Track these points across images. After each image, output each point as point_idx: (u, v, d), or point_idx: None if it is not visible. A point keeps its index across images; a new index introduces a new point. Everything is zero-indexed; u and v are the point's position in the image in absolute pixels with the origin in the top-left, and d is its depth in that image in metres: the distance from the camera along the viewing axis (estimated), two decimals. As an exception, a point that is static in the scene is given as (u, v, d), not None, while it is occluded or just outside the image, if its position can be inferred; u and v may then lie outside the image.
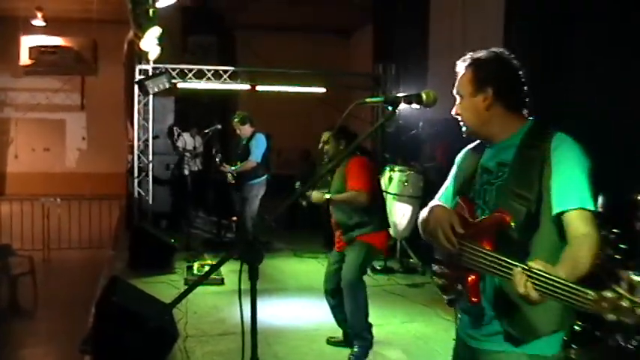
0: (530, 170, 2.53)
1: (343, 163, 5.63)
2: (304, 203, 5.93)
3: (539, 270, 2.14)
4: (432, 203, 2.93)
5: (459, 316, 2.89)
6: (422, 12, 11.17)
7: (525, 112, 2.73)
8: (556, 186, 2.47)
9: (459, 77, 2.76)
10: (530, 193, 2.49)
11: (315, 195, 5.68)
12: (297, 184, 6.03)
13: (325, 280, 6.03)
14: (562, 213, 2.44)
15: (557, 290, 2.07)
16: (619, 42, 6.59)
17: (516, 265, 2.22)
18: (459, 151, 3.01)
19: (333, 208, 5.82)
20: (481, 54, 2.73)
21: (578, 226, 2.41)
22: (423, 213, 2.90)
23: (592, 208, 2.43)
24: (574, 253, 2.36)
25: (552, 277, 2.09)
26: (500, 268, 2.33)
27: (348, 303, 5.72)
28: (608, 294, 1.92)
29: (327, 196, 5.57)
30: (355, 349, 5.75)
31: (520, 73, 2.71)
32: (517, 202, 2.50)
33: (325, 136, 5.92)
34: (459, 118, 2.77)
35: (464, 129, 2.78)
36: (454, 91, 2.76)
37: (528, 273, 2.17)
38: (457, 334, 2.93)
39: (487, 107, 2.67)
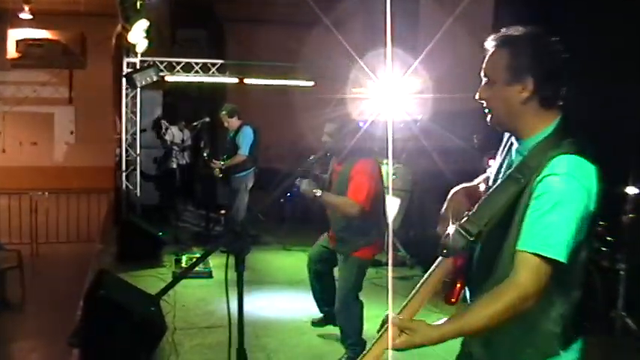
0: (498, 199, 2.20)
1: (348, 164, 5.34)
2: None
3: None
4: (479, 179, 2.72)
5: None
6: (412, 5, 11.17)
7: (557, 109, 2.30)
8: (526, 223, 2.13)
9: (489, 56, 2.32)
10: (475, 226, 2.17)
11: (305, 187, 5.26)
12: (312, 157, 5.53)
13: (309, 260, 5.97)
14: (519, 251, 2.12)
15: None
16: (603, 41, 6.64)
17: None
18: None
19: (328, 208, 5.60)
20: (519, 32, 2.27)
21: (519, 271, 2.09)
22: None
23: (553, 256, 2.06)
24: (482, 303, 2.11)
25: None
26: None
27: (340, 319, 5.61)
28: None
29: (318, 193, 5.22)
30: (344, 358, 5.66)
31: (563, 61, 2.26)
32: (461, 231, 2.18)
33: (329, 127, 5.51)
34: (484, 104, 2.35)
35: (489, 117, 2.36)
36: (482, 73, 2.34)
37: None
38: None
39: (524, 101, 2.24)
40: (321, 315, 6.25)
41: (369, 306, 5.67)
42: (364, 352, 2.10)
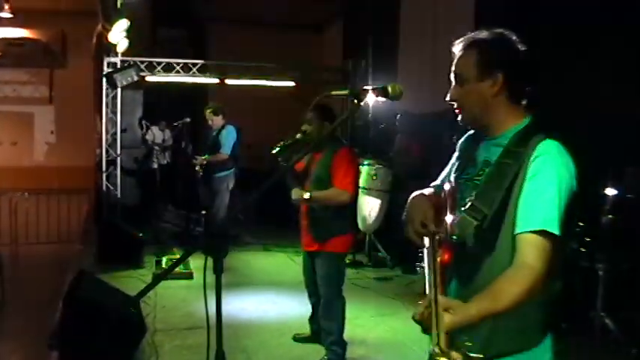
0: (499, 181, 2.29)
1: (329, 152, 5.40)
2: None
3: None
4: (430, 187, 2.79)
5: None
6: (392, 9, 11.21)
7: (524, 105, 2.46)
8: (522, 204, 2.23)
9: (458, 58, 2.47)
10: (488, 207, 2.26)
11: (295, 193, 5.38)
12: (277, 149, 5.57)
13: (306, 284, 5.95)
14: (519, 234, 2.21)
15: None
16: (585, 40, 6.69)
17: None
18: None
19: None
20: (485, 34, 2.44)
21: (526, 253, 2.17)
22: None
23: (555, 231, 2.16)
24: (503, 285, 2.13)
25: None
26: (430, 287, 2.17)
27: (323, 317, 5.62)
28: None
29: (307, 195, 5.29)
30: (325, 358, 5.66)
31: (530, 59, 2.44)
32: (470, 213, 2.28)
33: (310, 116, 5.56)
34: (455, 104, 2.49)
35: (460, 116, 2.50)
36: (452, 75, 2.48)
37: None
38: None
39: (495, 94, 2.39)
40: (307, 331, 6.24)
41: (349, 306, 5.69)
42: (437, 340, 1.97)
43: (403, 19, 11.04)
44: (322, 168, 5.43)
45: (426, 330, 2.06)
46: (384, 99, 2.60)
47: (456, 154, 2.71)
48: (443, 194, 2.61)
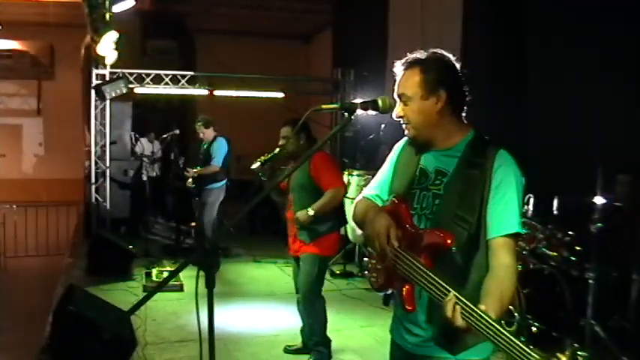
0: (473, 191, 2.49)
1: (306, 160, 5.49)
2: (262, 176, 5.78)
3: (482, 316, 2.10)
4: (365, 192, 2.94)
5: (394, 318, 2.89)
6: (381, 18, 11.24)
7: (464, 117, 2.67)
8: (494, 210, 2.46)
9: (401, 79, 2.64)
10: (472, 216, 2.46)
11: (301, 216, 5.47)
12: (257, 165, 5.74)
13: (296, 290, 5.99)
14: (493, 238, 2.45)
15: (501, 340, 2.01)
16: (574, 46, 6.73)
17: (461, 302, 2.17)
18: None
19: (294, 200, 5.71)
20: (425, 55, 2.62)
21: (504, 255, 2.42)
22: (357, 205, 2.91)
23: (521, 231, 2.48)
24: (501, 287, 2.36)
25: (499, 330, 2.03)
26: (437, 291, 2.30)
27: (305, 316, 5.74)
28: None
29: (311, 212, 5.41)
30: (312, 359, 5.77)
31: (464, 78, 2.65)
32: (459, 224, 2.47)
33: (285, 131, 5.81)
34: (402, 120, 2.66)
35: (407, 132, 2.68)
36: (395, 94, 2.65)
37: (471, 317, 2.13)
38: (392, 336, 2.91)
39: (439, 111, 2.58)
40: (298, 343, 6.23)
41: (339, 317, 5.69)
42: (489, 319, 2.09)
43: (392, 28, 11.07)
44: (301, 174, 5.57)
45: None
46: (374, 112, 2.61)
47: (393, 160, 2.87)
48: (393, 205, 2.70)
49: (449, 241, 2.39)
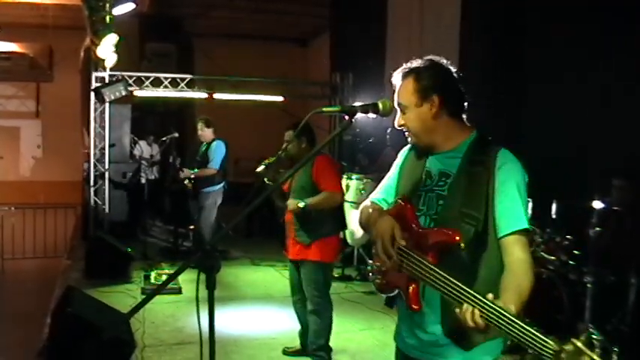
0: (477, 189, 2.52)
1: (308, 162, 5.49)
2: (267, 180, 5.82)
3: (499, 309, 2.12)
4: (372, 197, 2.97)
5: (398, 323, 2.89)
6: (379, 21, 11.26)
7: (465, 119, 2.72)
8: (502, 208, 2.49)
9: (398, 89, 2.72)
10: (479, 212, 2.49)
11: (291, 203, 5.52)
12: (262, 168, 5.81)
13: (292, 293, 6.00)
14: (504, 235, 2.48)
15: (518, 333, 2.04)
16: (573, 50, 6.74)
17: (475, 298, 2.19)
18: None
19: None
20: (418, 63, 2.70)
21: (517, 250, 2.45)
22: (362, 210, 2.93)
23: (529, 227, 2.50)
24: (517, 281, 2.39)
25: (515, 322, 2.06)
26: (451, 290, 2.30)
27: (312, 322, 5.69)
28: (569, 347, 1.88)
29: (302, 204, 5.44)
30: None
31: (459, 82, 2.70)
32: (465, 221, 2.49)
33: (289, 135, 5.86)
34: (403, 129, 2.73)
35: (409, 139, 2.76)
36: (395, 104, 2.70)
37: (486, 312, 2.14)
38: (396, 343, 2.93)
39: (434, 116, 2.64)
40: (297, 345, 6.24)
41: (338, 320, 5.70)
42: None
43: (390, 31, 11.09)
44: (303, 177, 5.59)
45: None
46: (374, 115, 2.61)
47: (397, 166, 2.94)
48: (399, 207, 2.72)
49: (457, 238, 2.42)
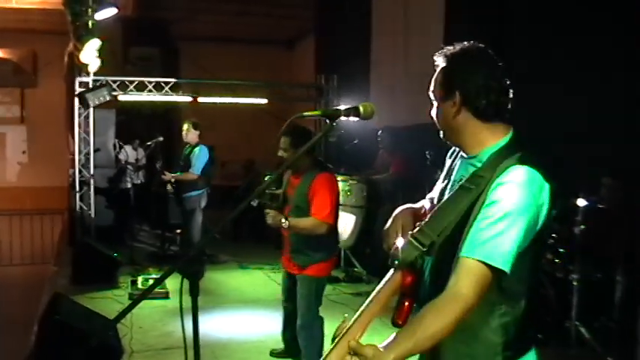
0: (454, 207, 2.18)
1: (307, 179, 5.33)
2: (255, 203, 5.39)
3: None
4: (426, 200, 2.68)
5: None
6: (364, 23, 11.29)
7: (501, 121, 2.29)
8: (473, 228, 2.11)
9: (434, 77, 2.36)
10: (438, 234, 2.16)
11: (273, 218, 5.27)
12: (267, 177, 5.52)
13: (283, 297, 5.92)
14: (462, 257, 2.09)
15: None
16: (559, 50, 6.77)
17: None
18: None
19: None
20: (451, 49, 2.30)
21: (462, 280, 2.06)
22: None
23: (498, 265, 2.04)
24: (428, 319, 2.04)
25: None
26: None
27: (302, 338, 5.54)
28: None
29: (285, 224, 5.19)
30: None
31: (495, 73, 2.26)
32: (417, 239, 2.18)
33: (284, 142, 5.46)
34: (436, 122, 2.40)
35: (441, 134, 2.41)
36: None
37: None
38: None
39: (454, 115, 2.26)
40: (282, 346, 6.20)
41: (325, 323, 5.68)
42: None
43: (375, 32, 11.12)
44: (300, 197, 5.36)
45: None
46: (356, 119, 2.57)
47: (447, 165, 2.55)
48: (423, 211, 2.57)
49: (408, 279, 2.23)
